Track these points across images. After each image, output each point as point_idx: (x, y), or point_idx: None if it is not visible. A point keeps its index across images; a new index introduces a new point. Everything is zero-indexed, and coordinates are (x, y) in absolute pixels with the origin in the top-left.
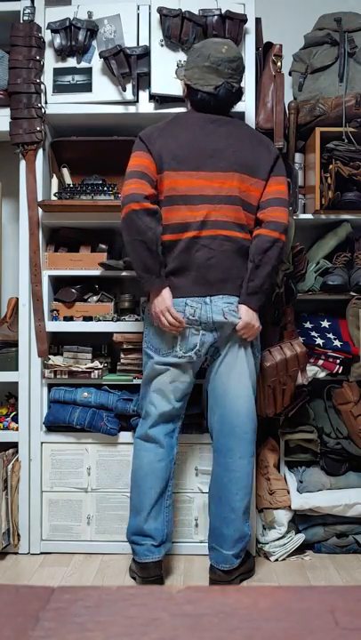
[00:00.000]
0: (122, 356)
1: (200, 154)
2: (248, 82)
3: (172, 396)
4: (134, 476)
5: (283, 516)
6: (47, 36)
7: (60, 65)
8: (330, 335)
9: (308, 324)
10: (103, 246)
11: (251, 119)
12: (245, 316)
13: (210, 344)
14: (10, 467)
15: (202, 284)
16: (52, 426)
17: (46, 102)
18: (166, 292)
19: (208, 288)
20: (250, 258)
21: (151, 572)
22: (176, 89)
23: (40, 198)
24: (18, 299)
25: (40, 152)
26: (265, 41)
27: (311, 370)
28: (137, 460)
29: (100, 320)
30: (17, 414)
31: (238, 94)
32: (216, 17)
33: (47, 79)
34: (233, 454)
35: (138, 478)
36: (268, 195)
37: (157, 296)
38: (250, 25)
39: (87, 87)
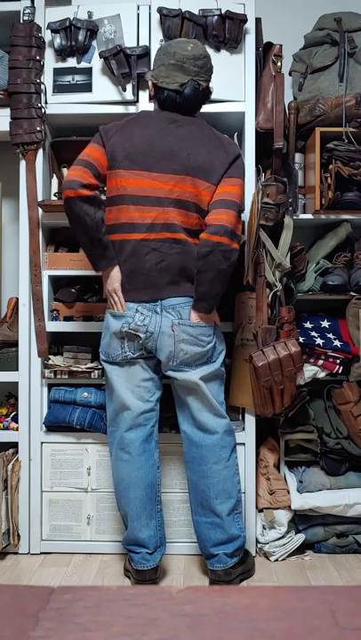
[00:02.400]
0: None
1: (154, 154)
2: (248, 82)
3: (137, 396)
4: (117, 487)
5: (283, 516)
6: (47, 36)
7: (60, 65)
8: (330, 335)
9: (308, 324)
10: None
11: (251, 119)
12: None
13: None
14: (10, 467)
15: (152, 287)
16: (52, 426)
17: (46, 102)
18: (114, 272)
19: (158, 292)
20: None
21: (146, 577)
22: None
23: (40, 198)
24: (18, 299)
25: (40, 152)
26: (265, 41)
27: (311, 370)
28: (116, 472)
29: (100, 320)
30: (17, 414)
31: (206, 93)
32: (216, 17)
33: (47, 79)
34: (206, 461)
35: (121, 489)
36: (216, 197)
37: (107, 277)
38: (250, 25)
39: (87, 87)
